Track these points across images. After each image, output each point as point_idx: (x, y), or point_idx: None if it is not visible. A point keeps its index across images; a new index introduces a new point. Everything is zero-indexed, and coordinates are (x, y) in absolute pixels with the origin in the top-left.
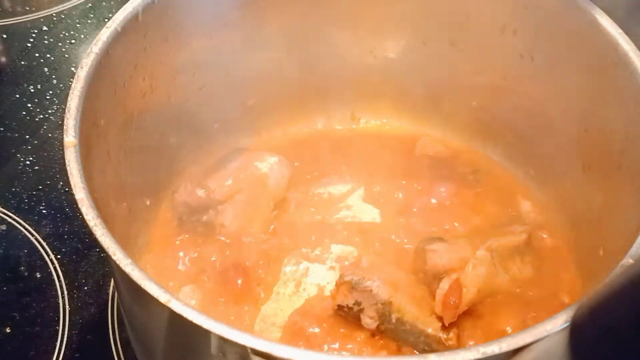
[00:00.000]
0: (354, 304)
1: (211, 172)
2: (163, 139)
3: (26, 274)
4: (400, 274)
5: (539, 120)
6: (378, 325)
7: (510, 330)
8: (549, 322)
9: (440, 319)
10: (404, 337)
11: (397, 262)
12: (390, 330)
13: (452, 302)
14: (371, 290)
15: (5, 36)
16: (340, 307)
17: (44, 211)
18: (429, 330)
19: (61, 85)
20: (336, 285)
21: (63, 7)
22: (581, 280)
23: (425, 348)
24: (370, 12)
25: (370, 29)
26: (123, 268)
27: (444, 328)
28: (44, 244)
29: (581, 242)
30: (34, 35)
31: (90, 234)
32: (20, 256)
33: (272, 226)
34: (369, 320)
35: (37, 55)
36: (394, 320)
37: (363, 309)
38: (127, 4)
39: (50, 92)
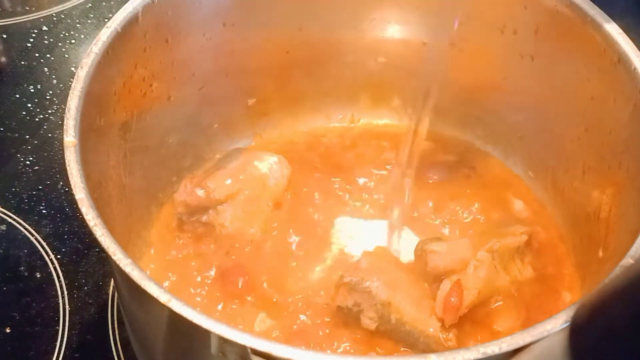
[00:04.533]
0: (353, 305)
1: (211, 172)
2: (163, 139)
3: (26, 274)
4: (399, 275)
5: (539, 120)
6: (377, 325)
7: (510, 331)
8: (549, 322)
9: (440, 319)
10: (404, 338)
11: (396, 263)
12: (390, 331)
13: (453, 304)
14: (370, 291)
15: (5, 36)
16: (339, 309)
17: (44, 211)
18: (429, 331)
19: (61, 85)
20: (335, 286)
21: (63, 7)
22: (581, 281)
23: (425, 349)
24: (370, 12)
25: (370, 29)
26: (123, 268)
27: (444, 328)
28: (44, 244)
29: (581, 242)
30: (34, 35)
31: (90, 234)
32: (20, 256)
33: (271, 226)
34: (368, 321)
35: (37, 55)
36: (393, 321)
37: (362, 309)
38: (127, 4)
39: (50, 92)
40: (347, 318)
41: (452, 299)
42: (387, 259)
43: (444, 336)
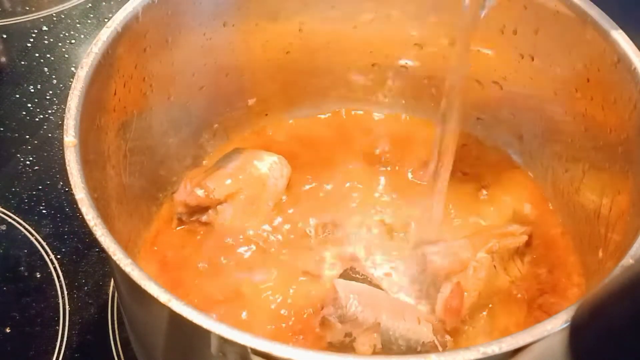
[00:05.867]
0: (345, 337)
1: (211, 172)
2: (163, 139)
3: (26, 274)
4: (378, 292)
5: (539, 120)
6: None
7: (510, 330)
8: (549, 322)
9: (442, 322)
10: (403, 350)
11: (369, 280)
12: (388, 348)
13: (454, 307)
14: (357, 318)
15: (5, 36)
16: (331, 345)
17: (44, 211)
18: (424, 339)
19: (61, 85)
20: (320, 324)
21: (63, 7)
22: (581, 280)
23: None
24: (369, 12)
25: (370, 29)
26: (123, 268)
27: (438, 332)
28: (44, 244)
29: (581, 242)
30: (34, 35)
31: (90, 234)
32: (20, 256)
33: (271, 226)
34: (362, 347)
35: (37, 55)
36: (387, 339)
37: (355, 337)
38: (127, 4)
39: (50, 92)
40: (341, 349)
41: (453, 301)
42: (361, 279)
43: (441, 340)
